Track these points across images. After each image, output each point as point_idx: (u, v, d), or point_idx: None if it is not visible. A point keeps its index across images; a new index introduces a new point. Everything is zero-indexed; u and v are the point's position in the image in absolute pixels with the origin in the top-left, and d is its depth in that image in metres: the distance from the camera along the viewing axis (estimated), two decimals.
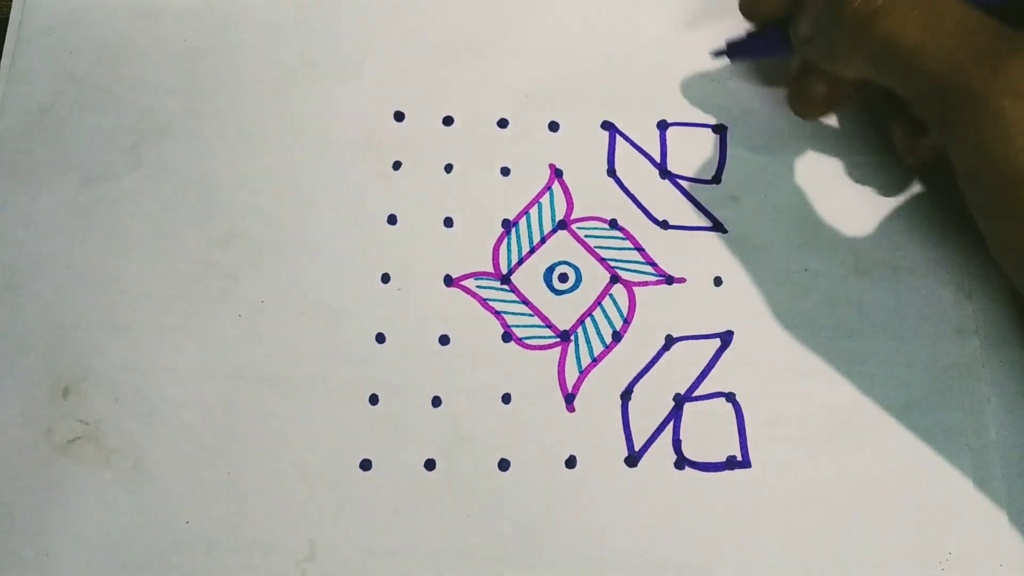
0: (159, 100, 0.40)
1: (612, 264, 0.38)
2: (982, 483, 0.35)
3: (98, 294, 0.38)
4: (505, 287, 0.38)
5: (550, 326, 0.37)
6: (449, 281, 0.38)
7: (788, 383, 0.36)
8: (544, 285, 0.38)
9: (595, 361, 0.37)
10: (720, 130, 0.39)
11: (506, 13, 0.40)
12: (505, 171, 0.39)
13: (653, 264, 0.38)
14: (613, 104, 0.40)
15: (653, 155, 0.39)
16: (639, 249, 0.38)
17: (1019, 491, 0.35)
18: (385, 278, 0.38)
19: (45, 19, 0.41)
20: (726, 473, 0.36)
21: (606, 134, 0.39)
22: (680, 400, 0.36)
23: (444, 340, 0.37)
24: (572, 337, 0.37)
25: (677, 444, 0.36)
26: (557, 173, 0.39)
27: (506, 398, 0.37)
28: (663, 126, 0.40)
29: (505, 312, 0.37)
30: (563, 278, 0.38)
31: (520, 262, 0.38)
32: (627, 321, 0.37)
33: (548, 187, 0.39)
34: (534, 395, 0.37)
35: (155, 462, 0.36)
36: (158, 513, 0.36)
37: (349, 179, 0.39)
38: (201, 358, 0.37)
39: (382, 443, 0.36)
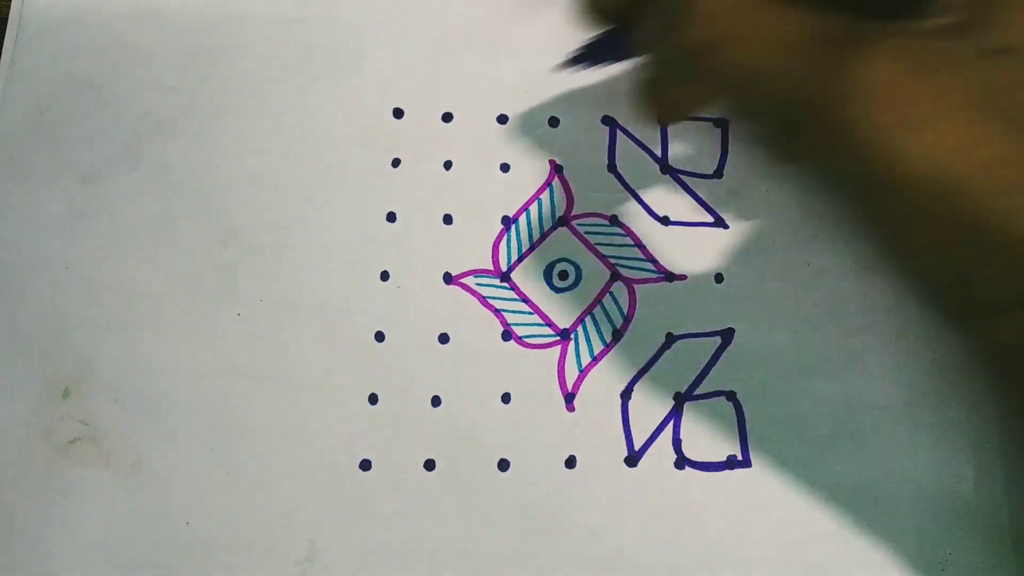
0: (158, 99, 0.40)
1: (612, 261, 0.38)
2: (982, 483, 0.35)
3: (98, 294, 0.38)
4: (505, 285, 0.38)
5: (550, 324, 0.37)
6: (448, 279, 0.38)
7: (789, 381, 0.36)
8: (544, 283, 0.38)
9: (595, 360, 0.37)
10: (722, 124, 0.39)
11: (505, 8, 0.40)
12: (505, 167, 0.39)
13: (654, 261, 0.38)
14: (613, 99, 0.40)
15: (654, 150, 0.39)
16: (639, 246, 0.38)
17: (1019, 491, 0.35)
18: (384, 276, 0.38)
19: (44, 19, 0.41)
20: (726, 473, 0.36)
21: (606, 129, 0.39)
22: (680, 399, 0.36)
23: (444, 339, 0.37)
24: (572, 335, 0.37)
25: (677, 444, 0.36)
26: (557, 169, 0.39)
27: (506, 397, 0.37)
28: None
29: (505, 310, 0.37)
30: (563, 275, 0.38)
31: (520, 259, 0.38)
32: (627, 319, 0.37)
33: (548, 183, 0.39)
34: (534, 394, 0.37)
35: (155, 462, 0.37)
36: (158, 513, 0.36)
37: (348, 176, 0.39)
38: (201, 357, 0.37)
39: (382, 443, 0.36)
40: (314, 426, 0.37)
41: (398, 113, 0.40)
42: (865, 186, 0.27)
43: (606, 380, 0.37)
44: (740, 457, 0.36)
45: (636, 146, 0.39)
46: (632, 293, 0.37)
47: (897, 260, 0.28)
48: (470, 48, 0.40)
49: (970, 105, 0.25)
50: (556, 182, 0.39)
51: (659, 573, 0.35)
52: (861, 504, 0.35)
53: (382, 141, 0.39)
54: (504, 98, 0.40)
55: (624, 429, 0.36)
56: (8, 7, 0.41)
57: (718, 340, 0.37)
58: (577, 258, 0.38)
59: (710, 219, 0.38)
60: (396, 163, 0.39)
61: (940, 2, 0.27)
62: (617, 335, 0.37)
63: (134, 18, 0.41)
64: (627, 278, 0.37)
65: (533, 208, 0.38)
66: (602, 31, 0.34)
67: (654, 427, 0.36)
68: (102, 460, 0.37)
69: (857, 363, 0.36)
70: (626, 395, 0.36)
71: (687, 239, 0.38)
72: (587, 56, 0.35)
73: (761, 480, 0.35)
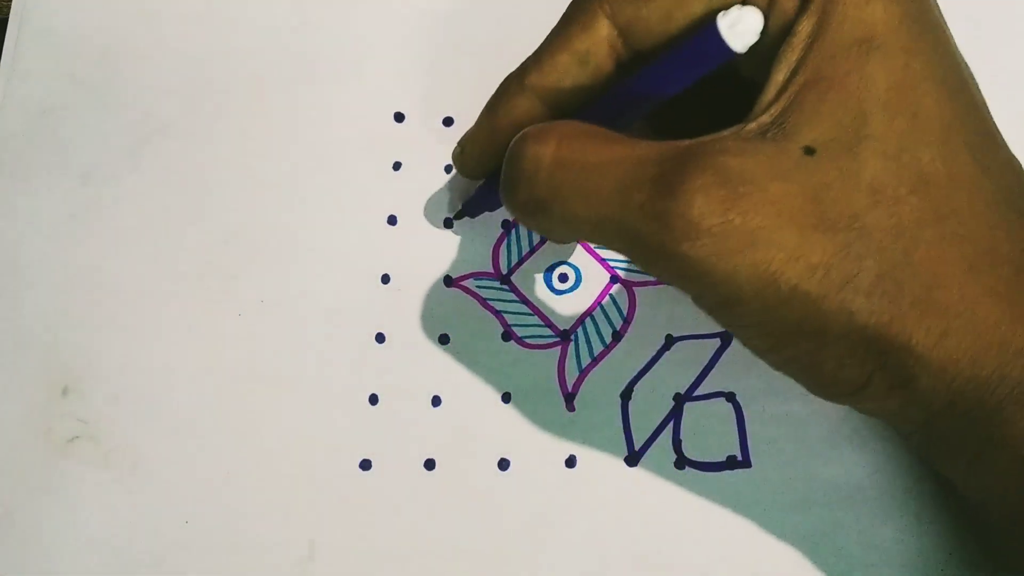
0: (159, 101, 0.40)
1: (612, 264, 0.38)
2: None
3: (98, 294, 0.38)
4: (505, 287, 0.38)
5: (550, 325, 0.37)
6: (449, 281, 0.38)
7: (789, 382, 0.36)
8: (544, 285, 0.38)
9: (595, 360, 0.37)
10: None
11: (506, 13, 0.40)
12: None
13: None
14: None
15: None
16: None
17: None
18: (385, 279, 0.38)
19: (45, 19, 0.41)
20: (726, 473, 0.36)
21: None
22: (680, 400, 0.36)
23: (444, 339, 0.37)
24: (572, 336, 0.37)
25: (677, 444, 0.36)
26: None
27: (506, 397, 0.37)
28: None
29: (505, 312, 0.38)
30: (563, 278, 0.38)
31: (520, 262, 0.38)
32: (627, 320, 0.37)
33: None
34: (534, 395, 0.37)
35: (155, 461, 0.37)
36: (158, 513, 0.36)
37: (349, 180, 0.39)
38: (201, 358, 0.37)
39: (382, 443, 0.36)
40: (314, 426, 0.37)
41: (399, 117, 0.40)
42: (707, 305, 0.28)
43: (606, 380, 0.37)
44: (740, 457, 0.36)
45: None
46: (632, 295, 0.37)
47: (754, 352, 0.29)
48: (470, 52, 0.40)
49: (798, 211, 0.25)
50: None
51: (659, 573, 0.35)
52: (861, 504, 0.35)
53: (383, 145, 0.40)
54: None
55: (624, 429, 0.36)
56: (8, 8, 0.42)
57: (718, 342, 0.37)
58: (577, 261, 0.38)
59: None
60: (397, 167, 0.39)
61: (755, 107, 0.27)
62: (617, 336, 0.37)
63: (135, 20, 0.41)
64: (627, 280, 0.38)
65: None
66: (478, 187, 0.37)
67: (654, 427, 0.36)
68: (101, 459, 0.37)
69: None
70: (626, 395, 0.36)
71: None
72: (467, 211, 0.38)
73: (761, 480, 0.35)
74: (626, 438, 0.36)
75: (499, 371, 0.37)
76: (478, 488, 0.36)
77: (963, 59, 0.29)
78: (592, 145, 0.28)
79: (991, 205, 0.27)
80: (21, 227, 0.39)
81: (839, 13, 0.26)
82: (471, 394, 0.37)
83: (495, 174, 0.32)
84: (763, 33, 0.27)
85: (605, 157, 0.28)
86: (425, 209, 0.39)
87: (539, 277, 0.38)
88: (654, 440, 0.36)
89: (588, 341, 0.37)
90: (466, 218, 0.38)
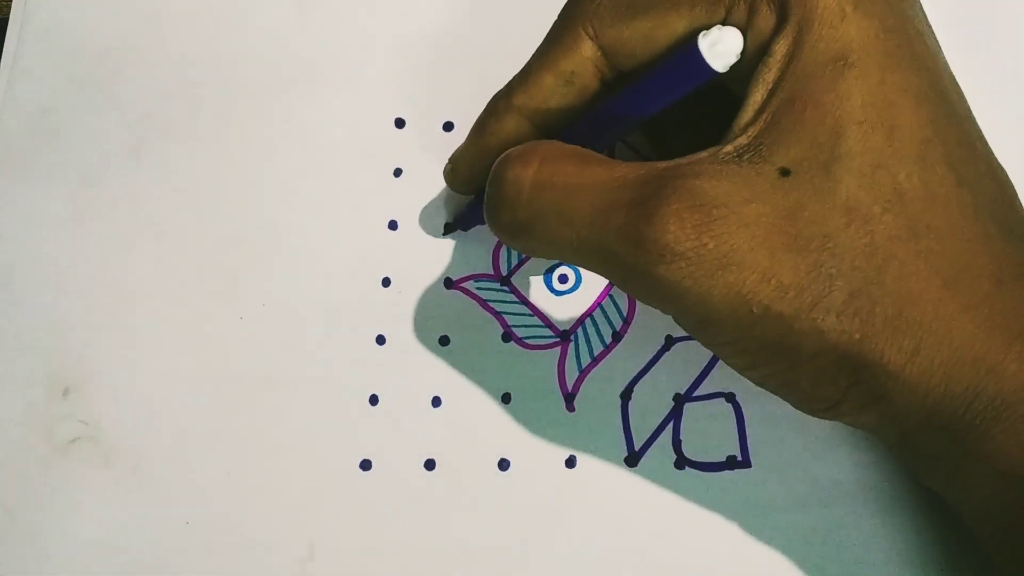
0: (160, 102, 0.40)
1: None
2: None
3: (98, 294, 0.38)
4: (505, 288, 0.38)
5: (550, 326, 0.37)
6: (449, 283, 0.38)
7: None
8: (544, 286, 0.38)
9: (595, 361, 0.37)
10: None
11: (506, 19, 0.41)
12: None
13: None
14: None
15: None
16: None
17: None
18: (386, 282, 0.38)
19: (46, 19, 0.41)
20: (726, 473, 0.36)
21: None
22: (680, 400, 0.36)
23: (444, 341, 0.37)
24: (572, 337, 0.37)
25: (677, 444, 0.36)
26: None
27: (506, 398, 0.37)
28: None
29: (505, 313, 0.38)
30: (563, 279, 0.38)
31: (520, 264, 0.38)
32: (627, 321, 0.37)
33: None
34: (534, 395, 0.37)
35: (155, 462, 0.37)
36: (158, 513, 0.36)
37: (350, 185, 0.39)
38: (202, 359, 0.38)
39: (382, 443, 0.37)
40: (315, 427, 0.37)
41: (400, 123, 0.40)
42: (685, 325, 0.29)
43: (606, 381, 0.37)
44: (740, 457, 0.36)
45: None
46: (631, 296, 0.38)
47: (734, 369, 0.30)
48: (471, 58, 0.40)
49: (771, 233, 0.26)
50: None
51: (659, 573, 0.35)
52: (860, 505, 0.35)
53: (384, 150, 0.40)
54: None
55: (624, 429, 0.36)
56: (8, 8, 0.42)
57: None
58: None
59: None
60: (398, 172, 0.39)
61: (732, 128, 0.27)
62: (617, 336, 0.37)
63: (135, 20, 0.42)
64: None
65: None
66: (469, 202, 0.37)
67: (654, 427, 0.36)
68: (102, 460, 0.37)
69: None
70: (626, 396, 0.36)
71: None
72: (459, 225, 0.38)
73: (761, 480, 0.35)
74: (626, 438, 0.36)
75: (499, 372, 0.37)
76: (478, 488, 0.36)
77: (947, 68, 0.29)
78: (572, 167, 0.28)
79: (969, 219, 0.27)
80: (21, 227, 0.39)
81: (814, 32, 0.27)
82: (471, 395, 0.37)
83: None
84: (741, 53, 0.27)
85: (585, 179, 0.28)
86: (425, 214, 0.39)
87: (539, 278, 0.38)
88: (654, 440, 0.36)
89: (588, 341, 0.37)
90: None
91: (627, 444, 0.36)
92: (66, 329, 0.38)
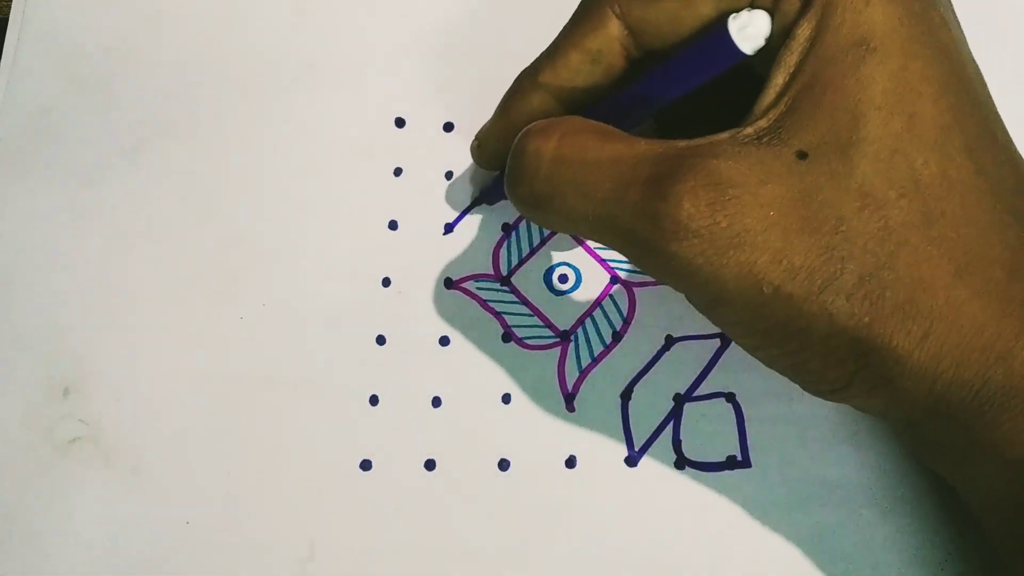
0: (160, 103, 0.40)
1: (612, 265, 0.38)
2: None
3: (98, 294, 0.38)
4: (505, 288, 0.38)
5: (550, 326, 0.37)
6: (449, 283, 0.38)
7: (788, 382, 0.36)
8: (544, 286, 0.38)
9: (595, 361, 0.37)
10: None
11: (507, 19, 0.41)
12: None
13: None
14: None
15: None
16: None
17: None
18: (386, 282, 0.38)
19: (46, 19, 0.41)
20: (726, 473, 0.36)
21: None
22: (680, 400, 0.36)
23: (444, 341, 0.37)
24: (572, 337, 0.37)
25: (677, 444, 0.36)
26: None
27: (506, 398, 0.37)
28: None
29: (505, 313, 0.38)
30: (563, 279, 0.38)
31: (520, 263, 0.38)
32: (627, 321, 0.37)
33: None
34: (534, 395, 0.37)
35: (155, 462, 0.37)
36: (158, 513, 0.36)
37: (350, 185, 0.39)
38: (202, 359, 0.38)
39: (382, 443, 0.37)
40: (315, 427, 0.37)
41: (400, 123, 0.40)
42: (697, 304, 0.29)
43: (606, 381, 0.37)
44: (740, 457, 0.36)
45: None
46: (632, 295, 0.38)
47: (744, 349, 0.30)
48: (471, 58, 0.40)
49: (784, 215, 0.26)
50: None
51: (659, 573, 0.35)
52: (860, 505, 0.35)
53: (384, 150, 0.40)
54: None
55: (624, 429, 0.36)
56: (8, 8, 0.42)
57: (717, 342, 0.37)
58: (577, 262, 0.38)
59: None
60: (398, 172, 0.39)
61: (753, 110, 0.27)
62: (617, 337, 0.37)
63: (135, 21, 0.41)
64: (627, 281, 0.38)
65: None
66: (495, 177, 0.37)
67: (654, 427, 0.36)
68: (102, 460, 0.37)
69: None
70: (626, 396, 0.36)
71: None
72: (485, 199, 0.39)
73: (761, 480, 0.35)
74: (626, 438, 0.36)
75: (499, 372, 0.37)
76: (478, 488, 0.36)
77: (970, 57, 0.29)
78: (592, 142, 0.29)
79: (986, 207, 0.27)
80: (21, 227, 0.39)
81: (838, 16, 0.27)
82: (471, 395, 0.37)
83: None
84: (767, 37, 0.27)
85: (604, 155, 0.28)
86: (426, 214, 0.39)
87: (539, 278, 0.38)
88: (654, 440, 0.36)
89: (588, 341, 0.37)
90: (467, 218, 0.39)
91: (627, 444, 0.36)
92: (66, 329, 0.38)
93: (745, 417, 0.36)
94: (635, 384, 0.37)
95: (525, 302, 0.38)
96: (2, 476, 0.36)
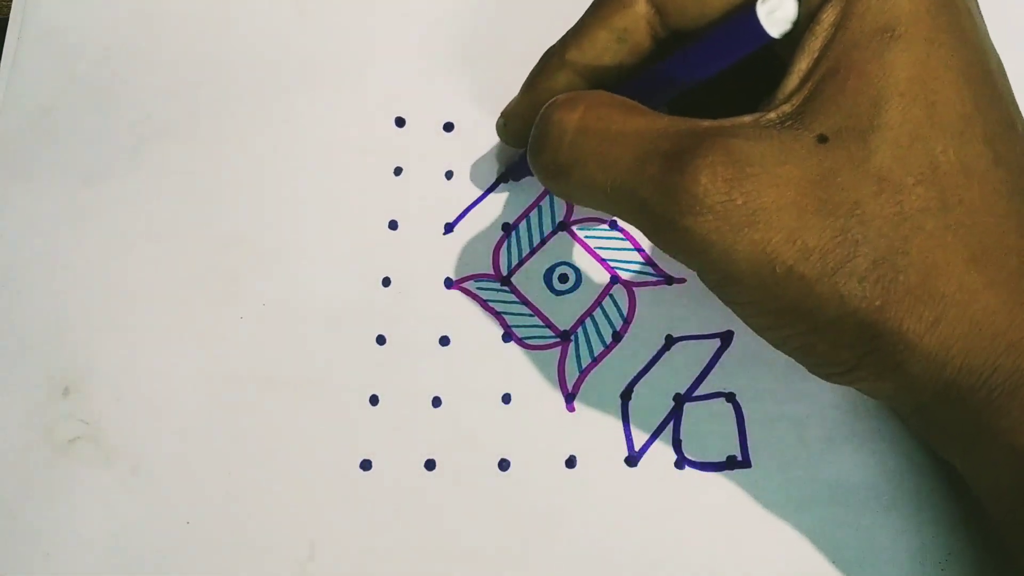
0: (160, 102, 0.40)
1: (612, 264, 0.38)
2: None
3: (98, 294, 0.38)
4: (505, 288, 0.38)
5: (550, 326, 0.37)
6: (449, 283, 0.38)
7: (789, 383, 0.36)
8: (544, 286, 0.38)
9: (595, 361, 0.37)
10: None
11: (507, 19, 0.41)
12: (503, 179, 0.39)
13: (653, 264, 0.38)
14: None
15: None
16: (639, 250, 0.38)
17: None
18: (386, 282, 0.38)
19: (46, 20, 0.41)
20: (726, 473, 0.36)
21: None
22: (680, 400, 0.36)
23: (444, 341, 0.37)
24: (572, 337, 0.37)
25: (677, 444, 0.36)
26: None
27: (506, 398, 0.37)
28: None
29: (505, 313, 0.38)
30: (563, 279, 0.38)
31: (520, 263, 0.38)
32: (627, 321, 0.37)
33: (548, 191, 0.39)
34: (534, 395, 0.37)
35: (155, 462, 0.37)
36: (158, 513, 0.36)
37: (350, 184, 0.39)
38: (202, 359, 0.38)
39: (382, 443, 0.36)
40: (315, 427, 0.37)
41: (400, 122, 0.40)
42: (708, 281, 0.29)
43: (606, 381, 0.37)
44: (740, 457, 0.36)
45: None
46: (632, 296, 0.38)
47: (753, 329, 0.30)
48: (471, 58, 0.40)
49: (801, 196, 0.26)
50: None
51: (659, 573, 0.35)
52: (861, 504, 0.35)
53: (384, 150, 0.40)
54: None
55: (624, 429, 0.36)
56: (8, 8, 0.42)
57: (717, 342, 0.37)
58: (577, 262, 0.38)
59: None
60: (398, 172, 0.39)
61: (776, 95, 0.28)
62: (617, 337, 0.37)
63: (135, 20, 0.42)
64: (627, 281, 0.38)
65: (533, 215, 0.39)
66: (521, 153, 0.37)
67: (654, 427, 0.36)
68: (102, 460, 0.37)
69: None
70: (626, 396, 0.36)
71: None
72: (510, 175, 0.39)
73: (761, 480, 0.35)
74: (626, 438, 0.36)
75: (499, 372, 0.37)
76: (478, 488, 0.36)
77: (992, 48, 0.29)
78: (616, 115, 0.29)
79: (1004, 197, 0.27)
80: (21, 227, 0.39)
81: (863, 2, 0.27)
82: (471, 395, 0.37)
83: None
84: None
85: (627, 128, 0.28)
86: (425, 214, 0.39)
87: (539, 278, 0.38)
88: (654, 440, 0.36)
89: (588, 341, 0.37)
90: (467, 218, 0.39)
91: (627, 444, 0.36)
92: (66, 329, 0.38)
93: (745, 417, 0.36)
94: (635, 384, 0.37)
95: (525, 302, 0.38)
96: (2, 476, 0.36)
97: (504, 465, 0.36)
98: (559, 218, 0.39)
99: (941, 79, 0.27)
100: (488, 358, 0.37)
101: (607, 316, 0.37)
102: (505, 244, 0.38)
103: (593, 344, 0.37)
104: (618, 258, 0.38)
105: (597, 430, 0.36)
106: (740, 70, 0.29)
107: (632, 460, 0.36)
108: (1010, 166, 0.28)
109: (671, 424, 0.36)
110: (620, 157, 0.28)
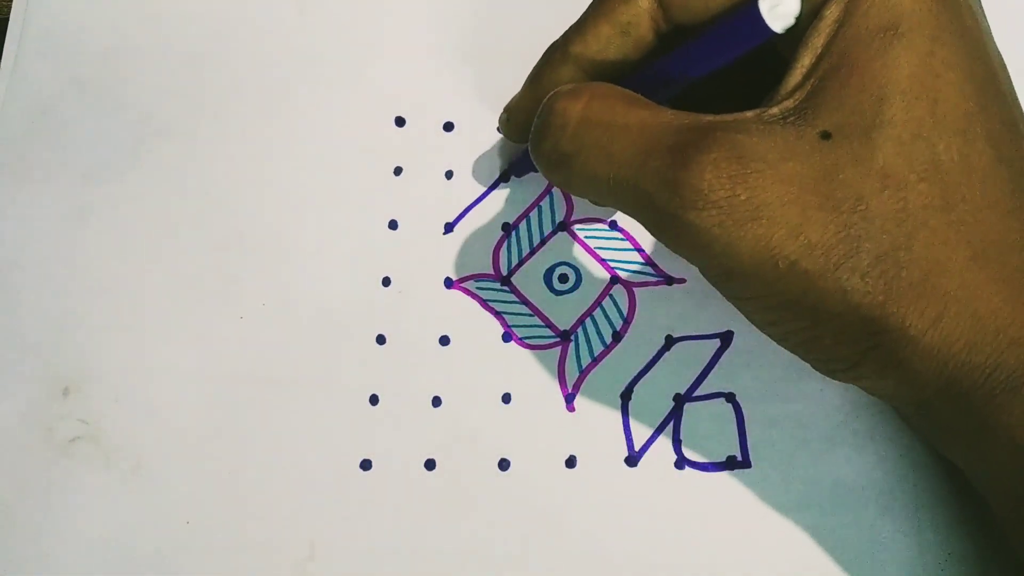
0: (160, 102, 0.40)
1: (612, 265, 0.38)
2: None
3: (98, 294, 0.38)
4: (505, 288, 0.38)
5: (550, 326, 0.37)
6: (449, 283, 0.38)
7: (789, 383, 0.36)
8: (544, 286, 0.38)
9: (595, 361, 0.37)
10: None
11: (507, 18, 0.41)
12: (505, 176, 0.39)
13: (653, 265, 0.38)
14: None
15: None
16: (639, 250, 0.38)
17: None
18: (386, 281, 0.38)
19: (46, 20, 0.41)
20: (726, 473, 0.36)
21: None
22: (680, 400, 0.36)
23: (444, 341, 0.37)
24: (572, 337, 0.37)
25: (677, 444, 0.36)
26: None
27: (506, 398, 0.37)
28: None
29: (505, 313, 0.38)
30: (563, 279, 0.38)
31: (520, 263, 0.38)
32: (627, 321, 0.37)
33: (548, 191, 0.39)
34: (534, 395, 0.37)
35: (155, 462, 0.37)
36: (158, 513, 0.36)
37: (350, 184, 0.39)
38: (202, 359, 0.38)
39: (382, 443, 0.36)
40: (315, 427, 0.37)
41: (400, 122, 0.40)
42: (710, 277, 0.29)
43: (606, 381, 0.37)
44: (740, 457, 0.36)
45: None
46: (632, 296, 0.37)
47: (755, 325, 0.30)
48: (471, 58, 0.40)
49: (804, 191, 0.26)
50: (556, 189, 0.39)
51: (659, 573, 0.35)
52: (861, 504, 0.35)
53: (384, 150, 0.40)
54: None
55: (624, 429, 0.36)
56: (9, 8, 0.42)
57: (717, 342, 0.37)
58: (577, 262, 0.38)
59: None
60: (398, 171, 0.39)
61: (779, 90, 0.28)
62: (617, 337, 0.37)
63: (136, 20, 0.42)
64: (627, 281, 0.38)
65: (533, 215, 0.39)
66: (521, 149, 0.37)
67: (654, 428, 0.36)
68: (102, 459, 0.37)
69: None
70: (626, 396, 0.36)
71: None
72: (513, 171, 0.39)
73: (761, 480, 0.35)
74: (626, 438, 0.36)
75: (499, 372, 0.37)
76: (478, 488, 0.36)
77: (995, 47, 0.29)
78: (620, 106, 0.29)
79: (1006, 194, 0.27)
80: (21, 227, 0.39)
81: None
82: (471, 394, 0.37)
83: None
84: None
85: (630, 120, 0.28)
86: (425, 214, 0.39)
87: (539, 278, 0.38)
88: (654, 440, 0.36)
89: (588, 341, 0.37)
90: (467, 218, 0.39)
91: (627, 444, 0.36)
92: (66, 329, 0.38)
93: (745, 417, 0.36)
94: (635, 384, 0.37)
95: (525, 302, 0.38)
96: (2, 476, 0.37)
97: (504, 465, 0.36)
98: (559, 218, 0.39)
99: (943, 77, 0.27)
100: (488, 358, 0.37)
101: (607, 316, 0.37)
102: (505, 244, 0.38)
103: (593, 344, 0.37)
104: (618, 258, 0.38)
105: (597, 430, 0.36)
106: (743, 65, 0.29)
107: (632, 460, 0.36)
108: (1012, 164, 0.28)
109: (671, 424, 0.36)
110: (623, 149, 0.28)
